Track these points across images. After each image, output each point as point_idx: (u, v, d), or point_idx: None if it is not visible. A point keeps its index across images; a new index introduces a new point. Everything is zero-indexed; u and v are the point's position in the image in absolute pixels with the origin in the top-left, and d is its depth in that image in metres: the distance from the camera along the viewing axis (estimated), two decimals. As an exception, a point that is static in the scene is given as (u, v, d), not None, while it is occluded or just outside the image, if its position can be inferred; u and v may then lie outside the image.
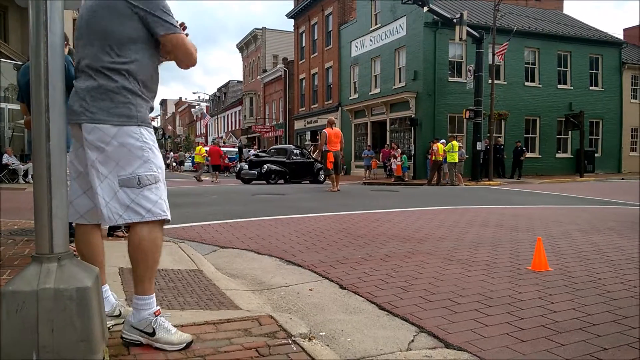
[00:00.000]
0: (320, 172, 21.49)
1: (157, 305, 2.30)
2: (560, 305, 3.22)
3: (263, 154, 23.01)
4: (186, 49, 2.32)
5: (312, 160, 22.04)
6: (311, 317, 3.07)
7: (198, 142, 46.78)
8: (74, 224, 2.46)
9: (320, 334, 2.75)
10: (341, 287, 3.73)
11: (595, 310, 3.11)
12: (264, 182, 19.72)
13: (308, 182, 21.16)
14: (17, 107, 18.27)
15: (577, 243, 5.50)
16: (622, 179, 24.21)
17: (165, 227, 2.47)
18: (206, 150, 25.95)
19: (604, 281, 3.80)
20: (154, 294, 2.30)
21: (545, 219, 7.68)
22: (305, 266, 4.40)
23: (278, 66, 43.19)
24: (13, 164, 19.57)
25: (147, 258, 2.24)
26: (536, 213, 8.73)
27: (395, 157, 22.16)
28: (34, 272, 2.01)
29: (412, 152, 23.99)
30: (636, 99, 30.06)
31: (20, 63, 20.68)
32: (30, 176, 18.13)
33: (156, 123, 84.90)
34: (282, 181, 20.36)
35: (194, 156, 29.81)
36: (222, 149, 27.33)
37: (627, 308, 3.14)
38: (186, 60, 2.36)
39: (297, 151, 22.35)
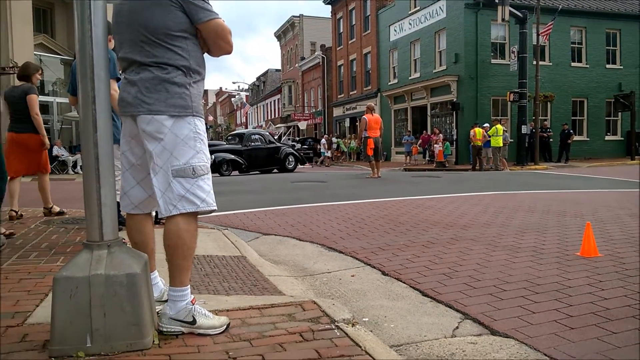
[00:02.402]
0: (289, 159, 19.84)
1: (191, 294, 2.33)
2: (611, 292, 3.11)
3: (218, 142, 21.20)
4: (225, 34, 2.33)
5: (277, 145, 20.19)
6: (354, 303, 3.08)
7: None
8: (123, 213, 2.53)
9: (363, 319, 2.75)
10: (383, 273, 3.72)
11: (649, 297, 2.99)
12: (217, 174, 16.80)
13: (276, 170, 19.51)
14: (65, 100, 18.93)
15: (629, 228, 5.30)
16: (677, 161, 23.09)
17: (209, 215, 2.51)
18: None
19: (659, 267, 3.65)
20: (189, 285, 2.33)
21: (594, 204, 7.43)
22: (346, 252, 4.41)
23: (316, 53, 43.09)
24: (63, 155, 20.32)
25: (185, 248, 2.26)
26: (584, 197, 8.45)
27: (437, 143, 21.82)
28: (86, 258, 2.09)
29: (454, 137, 23.56)
30: (692, 76, 28.51)
31: (67, 58, 21.38)
32: (79, 167, 18.80)
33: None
34: (236, 172, 17.97)
35: None
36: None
37: (684, 295, 3.01)
38: (225, 45, 2.36)
39: (256, 136, 19.66)
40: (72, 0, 2.34)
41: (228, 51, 2.40)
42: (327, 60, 40.96)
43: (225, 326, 2.30)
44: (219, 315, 2.37)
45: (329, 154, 29.56)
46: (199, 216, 2.37)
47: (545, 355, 2.27)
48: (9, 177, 4.98)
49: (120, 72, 2.96)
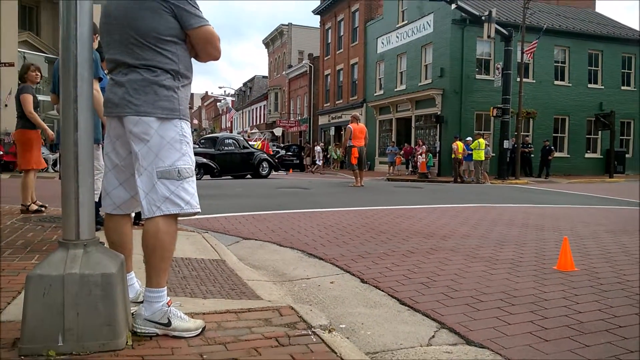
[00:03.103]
0: (263, 164, 19.34)
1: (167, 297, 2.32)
2: (586, 305, 3.15)
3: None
4: (214, 41, 2.35)
5: (251, 151, 19.73)
6: (331, 309, 3.07)
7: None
8: (102, 213, 2.50)
9: (340, 326, 2.75)
10: (362, 281, 3.73)
11: (621, 312, 3.03)
12: None
13: (249, 176, 19.09)
14: (47, 98, 18.68)
15: (605, 244, 5.38)
16: (654, 180, 23.56)
17: (190, 218, 2.51)
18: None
19: (632, 283, 3.71)
20: (166, 287, 2.31)
21: (572, 219, 7.54)
22: (326, 259, 4.40)
23: (303, 62, 43.23)
24: (43, 153, 20.00)
25: (163, 250, 2.25)
26: (563, 213, 8.57)
27: (421, 154, 21.99)
28: (61, 257, 2.06)
29: (437, 150, 23.78)
30: (670, 99, 29.20)
31: (52, 56, 21.15)
32: (58, 165, 18.54)
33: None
34: (207, 177, 17.38)
35: None
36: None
37: (656, 310, 3.06)
38: (214, 51, 2.38)
39: (229, 141, 19.26)
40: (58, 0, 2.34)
41: (216, 57, 2.42)
42: (314, 69, 41.11)
43: (200, 329, 2.28)
44: (194, 318, 2.35)
45: (320, 162, 29.62)
46: (180, 218, 2.36)
47: (519, 365, 2.29)
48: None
49: (106, 73, 2.94)
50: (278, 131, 45.32)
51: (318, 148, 30.43)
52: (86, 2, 2.11)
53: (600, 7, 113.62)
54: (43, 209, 6.18)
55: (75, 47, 2.09)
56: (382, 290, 3.46)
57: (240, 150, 19.05)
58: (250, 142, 23.86)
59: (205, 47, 2.35)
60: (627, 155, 26.79)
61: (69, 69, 2.09)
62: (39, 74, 6.27)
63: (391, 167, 25.60)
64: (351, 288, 3.56)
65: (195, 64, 2.46)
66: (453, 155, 19.65)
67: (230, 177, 18.28)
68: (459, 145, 19.35)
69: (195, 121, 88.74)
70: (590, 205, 10.46)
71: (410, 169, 24.94)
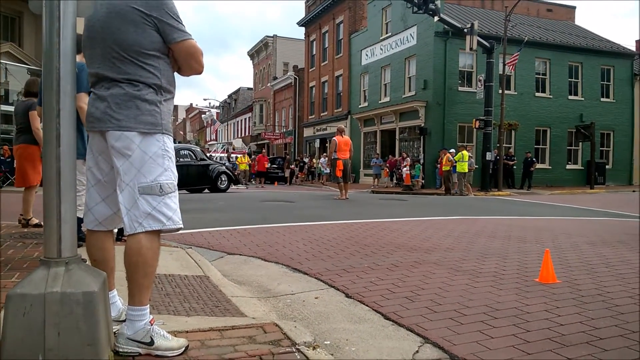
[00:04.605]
0: (222, 178, 18.27)
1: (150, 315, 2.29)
2: (567, 318, 3.19)
3: None
4: (197, 55, 2.35)
5: (209, 163, 18.57)
6: (316, 325, 3.07)
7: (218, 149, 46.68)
8: (84, 229, 2.48)
9: (325, 342, 2.75)
10: (347, 296, 3.73)
11: (602, 324, 3.08)
12: None
13: (207, 190, 17.94)
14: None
15: (586, 255, 5.46)
16: (634, 191, 23.92)
17: (173, 233, 2.49)
18: (253, 159, 28.29)
19: (612, 295, 3.77)
20: (148, 305, 2.29)
21: (554, 231, 7.63)
22: (311, 274, 4.40)
23: (288, 74, 43.36)
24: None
25: (146, 266, 2.23)
26: (545, 225, 8.67)
27: (406, 166, 22.10)
28: (42, 275, 2.03)
29: (422, 161, 23.94)
30: (648, 110, 29.83)
31: (35, 68, 20.95)
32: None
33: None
34: None
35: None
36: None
37: (635, 322, 3.11)
38: (196, 65, 2.38)
39: (185, 152, 17.98)
40: (40, 13, 2.31)
41: (199, 71, 2.42)
42: (299, 81, 41.25)
43: (183, 348, 2.26)
44: (178, 337, 2.33)
45: (327, 171, 29.59)
46: (164, 234, 2.34)
47: (502, 380, 2.31)
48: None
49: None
50: (237, 142, 44.97)
51: (322, 159, 30.37)
52: (70, 15, 2.10)
53: (580, 20, 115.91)
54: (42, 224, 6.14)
55: (59, 61, 2.07)
56: (367, 305, 3.47)
57: (197, 162, 17.89)
58: (234, 155, 23.50)
59: (188, 61, 2.35)
60: (607, 167, 27.25)
61: (51, 83, 2.08)
62: None
63: (376, 179, 25.70)
64: (336, 303, 3.56)
65: (180, 76, 2.47)
66: (445, 168, 19.83)
67: (185, 191, 16.98)
68: (448, 157, 19.55)
69: (181, 133, 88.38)
70: (571, 217, 10.60)
71: (394, 181, 25.05)
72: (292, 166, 32.83)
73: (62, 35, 2.08)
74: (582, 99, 27.20)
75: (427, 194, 19.55)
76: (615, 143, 28.38)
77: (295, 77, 41.58)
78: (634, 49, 30.83)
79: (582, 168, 27.01)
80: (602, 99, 27.79)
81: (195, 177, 17.51)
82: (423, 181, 22.98)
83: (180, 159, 17.09)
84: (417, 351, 2.66)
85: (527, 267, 4.77)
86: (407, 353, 2.63)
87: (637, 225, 8.81)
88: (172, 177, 2.30)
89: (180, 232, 6.37)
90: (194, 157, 18.01)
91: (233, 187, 20.16)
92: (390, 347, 2.70)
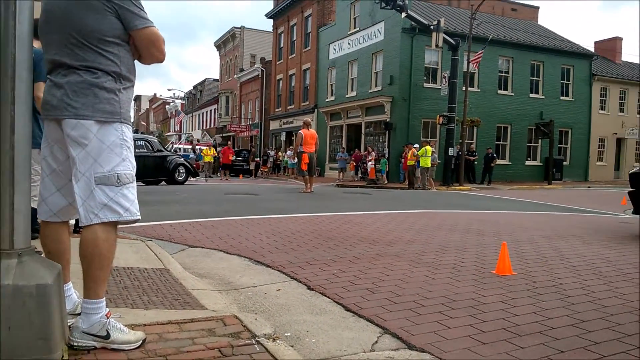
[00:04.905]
0: (180, 170, 17.81)
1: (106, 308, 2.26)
2: (522, 309, 3.29)
3: None
4: (159, 43, 2.32)
5: (166, 154, 17.98)
6: (277, 317, 3.08)
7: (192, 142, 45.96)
8: (39, 220, 2.42)
9: (285, 334, 2.76)
10: (309, 288, 3.75)
11: (554, 314, 3.19)
12: None
13: (164, 182, 17.42)
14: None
15: (541, 248, 5.63)
16: (589, 187, 24.84)
17: (133, 225, 2.45)
18: (218, 151, 28.31)
19: (565, 286, 3.91)
20: (104, 297, 2.25)
21: (512, 225, 7.84)
22: (274, 267, 4.40)
23: (255, 66, 43.06)
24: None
25: (102, 258, 2.19)
26: (503, 218, 8.89)
27: (371, 160, 22.28)
28: (-7, 268, 1.97)
29: (386, 156, 24.19)
30: (604, 110, 30.92)
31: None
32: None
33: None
34: None
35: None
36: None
37: (585, 312, 3.23)
38: (157, 53, 2.34)
39: (140, 142, 17.18)
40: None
41: (160, 60, 2.38)
42: (266, 73, 41.02)
43: (140, 341, 2.23)
44: (135, 330, 2.30)
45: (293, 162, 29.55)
46: (122, 226, 2.30)
47: (457, 369, 2.37)
48: None
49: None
50: (197, 134, 44.40)
51: (289, 152, 30.27)
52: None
53: (543, 20, 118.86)
54: None
55: (14, 47, 2.00)
56: (328, 297, 3.50)
57: (153, 154, 17.21)
58: (199, 147, 23.02)
59: (149, 49, 2.31)
60: (564, 163, 28.16)
61: (6, 69, 2.01)
62: None
63: (341, 173, 25.83)
64: (297, 295, 3.57)
65: (144, 65, 2.42)
66: (409, 162, 20.05)
67: (141, 183, 16.12)
68: (413, 152, 19.81)
69: (143, 123, 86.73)
70: (529, 211, 10.91)
71: (359, 175, 25.25)
72: (257, 159, 32.78)
73: (18, 19, 2.01)
74: (543, 97, 27.98)
75: (391, 188, 19.77)
76: (573, 140, 29.35)
77: (262, 70, 41.32)
78: (592, 49, 31.83)
79: (541, 164, 27.82)
80: (561, 98, 28.65)
81: (152, 169, 16.91)
82: (386, 175, 23.22)
83: (137, 150, 16.08)
84: (377, 341, 2.70)
85: (485, 259, 4.89)
86: (366, 344, 2.66)
87: (590, 220, 9.14)
88: (130, 167, 2.26)
89: (141, 224, 6.27)
90: (151, 148, 17.41)
91: (191, 179, 19.80)
92: (350, 338, 2.74)
